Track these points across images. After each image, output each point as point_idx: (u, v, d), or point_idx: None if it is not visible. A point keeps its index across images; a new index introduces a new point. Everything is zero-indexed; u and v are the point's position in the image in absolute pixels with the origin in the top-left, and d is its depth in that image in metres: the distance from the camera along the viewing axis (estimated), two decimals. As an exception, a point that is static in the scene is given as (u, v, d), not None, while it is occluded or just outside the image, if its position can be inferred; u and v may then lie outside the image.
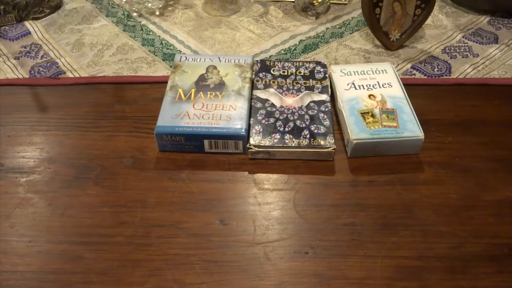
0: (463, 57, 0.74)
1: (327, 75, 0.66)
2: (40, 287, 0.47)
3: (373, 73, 0.66)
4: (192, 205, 0.54)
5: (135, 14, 0.84)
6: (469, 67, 0.72)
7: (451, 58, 0.74)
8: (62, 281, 0.47)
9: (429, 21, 0.81)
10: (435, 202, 0.54)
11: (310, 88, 0.64)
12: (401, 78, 0.66)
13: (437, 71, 0.72)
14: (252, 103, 0.62)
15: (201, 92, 0.63)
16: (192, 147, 0.59)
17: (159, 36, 0.79)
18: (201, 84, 0.64)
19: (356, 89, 0.63)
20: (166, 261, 0.48)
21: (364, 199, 0.54)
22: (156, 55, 0.75)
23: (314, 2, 0.80)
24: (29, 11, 0.82)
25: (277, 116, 0.60)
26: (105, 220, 0.52)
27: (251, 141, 0.57)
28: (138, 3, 0.84)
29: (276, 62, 0.68)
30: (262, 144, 0.57)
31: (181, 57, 0.68)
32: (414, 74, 0.71)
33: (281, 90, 0.64)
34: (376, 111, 0.60)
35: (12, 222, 0.52)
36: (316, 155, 0.58)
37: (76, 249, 0.49)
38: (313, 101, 0.62)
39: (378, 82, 0.64)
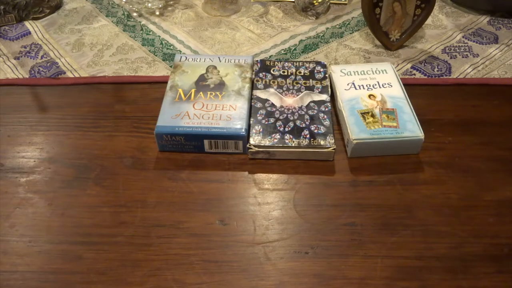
0: (463, 57, 0.74)
1: (327, 75, 0.66)
2: (40, 287, 0.47)
3: (373, 73, 0.66)
4: (192, 205, 0.54)
5: (135, 14, 0.84)
6: (469, 67, 0.72)
7: (451, 58, 0.74)
8: (62, 281, 0.47)
9: (429, 21, 0.81)
10: (435, 202, 0.54)
11: (310, 88, 0.64)
12: (401, 78, 0.66)
13: (437, 71, 0.72)
14: (252, 103, 0.62)
15: (201, 92, 0.63)
16: (192, 147, 0.59)
17: (159, 36, 0.79)
18: (201, 84, 0.64)
19: (356, 89, 0.63)
20: (166, 261, 0.48)
21: (364, 199, 0.54)
22: (156, 55, 0.75)
23: (314, 2, 0.80)
24: (29, 11, 0.82)
25: (277, 116, 0.60)
26: (105, 220, 0.52)
27: (251, 141, 0.57)
28: (138, 3, 0.84)
29: (276, 62, 0.68)
30: (262, 144, 0.57)
31: (181, 57, 0.68)
32: (414, 74, 0.71)
33: (281, 90, 0.64)
34: (376, 111, 0.60)
35: (12, 222, 0.52)
36: (316, 155, 0.58)
37: (76, 249, 0.49)
38: (313, 101, 0.62)
39: (378, 82, 0.64)
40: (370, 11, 0.71)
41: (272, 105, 0.62)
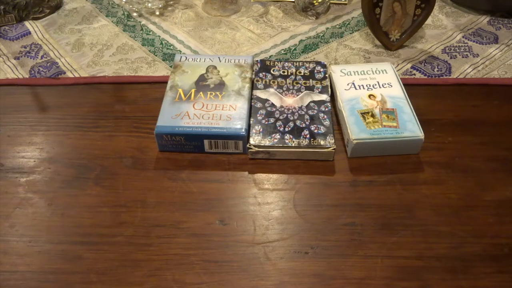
0: (463, 57, 0.74)
1: (327, 75, 0.66)
2: (40, 287, 0.47)
3: (373, 73, 0.66)
4: (192, 205, 0.54)
5: (135, 14, 0.84)
6: (469, 67, 0.72)
7: (451, 58, 0.74)
8: (62, 281, 0.47)
9: (429, 21, 0.81)
10: (435, 202, 0.54)
11: (310, 88, 0.64)
12: (401, 78, 0.66)
13: (437, 71, 0.72)
14: (252, 103, 0.62)
15: (201, 92, 0.63)
16: (192, 147, 0.59)
17: (159, 36, 0.79)
18: (201, 84, 0.64)
19: (356, 89, 0.63)
20: (166, 261, 0.48)
21: (364, 199, 0.54)
22: (156, 55, 0.75)
23: (314, 2, 0.80)
24: (29, 11, 0.82)
25: (277, 116, 0.60)
26: (105, 220, 0.52)
27: (251, 141, 0.57)
28: (138, 3, 0.84)
29: (276, 62, 0.68)
30: (262, 144, 0.57)
31: (181, 57, 0.68)
32: (414, 74, 0.71)
33: (281, 90, 0.64)
34: (376, 111, 0.60)
35: (12, 222, 0.52)
36: (316, 155, 0.58)
37: (76, 249, 0.50)
38: (313, 101, 0.62)
39: (378, 82, 0.64)
40: (370, 11, 0.71)
41: (272, 105, 0.62)
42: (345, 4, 0.86)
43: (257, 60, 0.68)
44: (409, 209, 0.53)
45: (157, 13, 0.84)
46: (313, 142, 0.57)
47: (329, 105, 0.62)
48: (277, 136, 0.58)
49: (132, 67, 0.73)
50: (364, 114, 0.60)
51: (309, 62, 0.68)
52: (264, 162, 0.59)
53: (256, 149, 0.57)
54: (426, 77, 0.71)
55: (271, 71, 0.67)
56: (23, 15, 0.82)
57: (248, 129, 0.59)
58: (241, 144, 0.58)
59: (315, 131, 0.58)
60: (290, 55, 0.75)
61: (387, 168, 0.58)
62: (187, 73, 0.66)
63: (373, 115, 0.59)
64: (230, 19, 0.83)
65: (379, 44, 0.76)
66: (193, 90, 0.63)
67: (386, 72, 0.66)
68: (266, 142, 0.57)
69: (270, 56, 0.75)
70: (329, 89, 0.64)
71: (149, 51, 0.76)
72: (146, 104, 0.67)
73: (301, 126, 0.59)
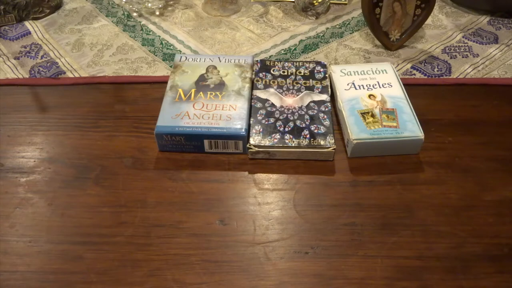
0: (463, 57, 0.74)
1: (327, 75, 0.66)
2: (40, 287, 0.47)
3: (373, 73, 0.66)
4: (192, 205, 0.54)
5: (135, 14, 0.84)
6: (469, 67, 0.72)
7: (451, 58, 0.74)
8: (62, 281, 0.47)
9: (429, 21, 0.81)
10: (435, 202, 0.54)
11: (310, 88, 0.64)
12: (401, 78, 0.66)
13: (437, 71, 0.72)
14: (252, 103, 0.62)
15: (201, 92, 0.63)
16: (192, 147, 0.59)
17: (159, 36, 0.79)
18: (201, 84, 0.64)
19: (356, 89, 0.63)
20: (166, 261, 0.48)
21: (364, 199, 0.54)
22: (156, 55, 0.75)
23: (314, 2, 0.80)
24: (29, 11, 0.82)
25: (277, 116, 0.60)
26: (105, 220, 0.52)
27: (251, 141, 0.57)
28: (138, 3, 0.84)
29: (276, 62, 0.68)
30: (262, 144, 0.57)
31: (181, 57, 0.68)
32: (414, 74, 0.71)
33: (281, 90, 0.64)
34: (376, 111, 0.60)
35: (12, 222, 0.52)
36: (316, 155, 0.58)
37: (76, 249, 0.50)
38: (313, 101, 0.62)
39: (378, 82, 0.64)
40: (370, 11, 0.71)
41: (272, 105, 0.62)
42: (345, 4, 0.86)
43: (257, 60, 0.68)
44: (409, 209, 0.53)
45: (157, 13, 0.84)
46: (313, 142, 0.57)
47: (329, 105, 0.62)
48: (277, 136, 0.58)
49: (132, 67, 0.73)
50: (364, 114, 0.60)
51: (309, 62, 0.68)
52: (264, 162, 0.59)
53: (256, 149, 0.57)
54: (426, 77, 0.71)
55: (271, 71, 0.67)
56: (23, 15, 0.82)
57: (248, 129, 0.59)
58: (241, 144, 0.58)
59: (315, 131, 0.58)
60: (290, 55, 0.75)
61: (387, 168, 0.58)
62: (187, 73, 0.66)
63: (373, 115, 0.59)
64: (230, 19, 0.83)
65: (379, 44, 0.76)
66: (193, 90, 0.63)
67: (386, 72, 0.66)
68: (266, 142, 0.57)
69: (270, 56, 0.75)
70: (329, 89, 0.64)
71: (149, 51, 0.76)
72: (146, 104, 0.67)
73: (301, 126, 0.59)
